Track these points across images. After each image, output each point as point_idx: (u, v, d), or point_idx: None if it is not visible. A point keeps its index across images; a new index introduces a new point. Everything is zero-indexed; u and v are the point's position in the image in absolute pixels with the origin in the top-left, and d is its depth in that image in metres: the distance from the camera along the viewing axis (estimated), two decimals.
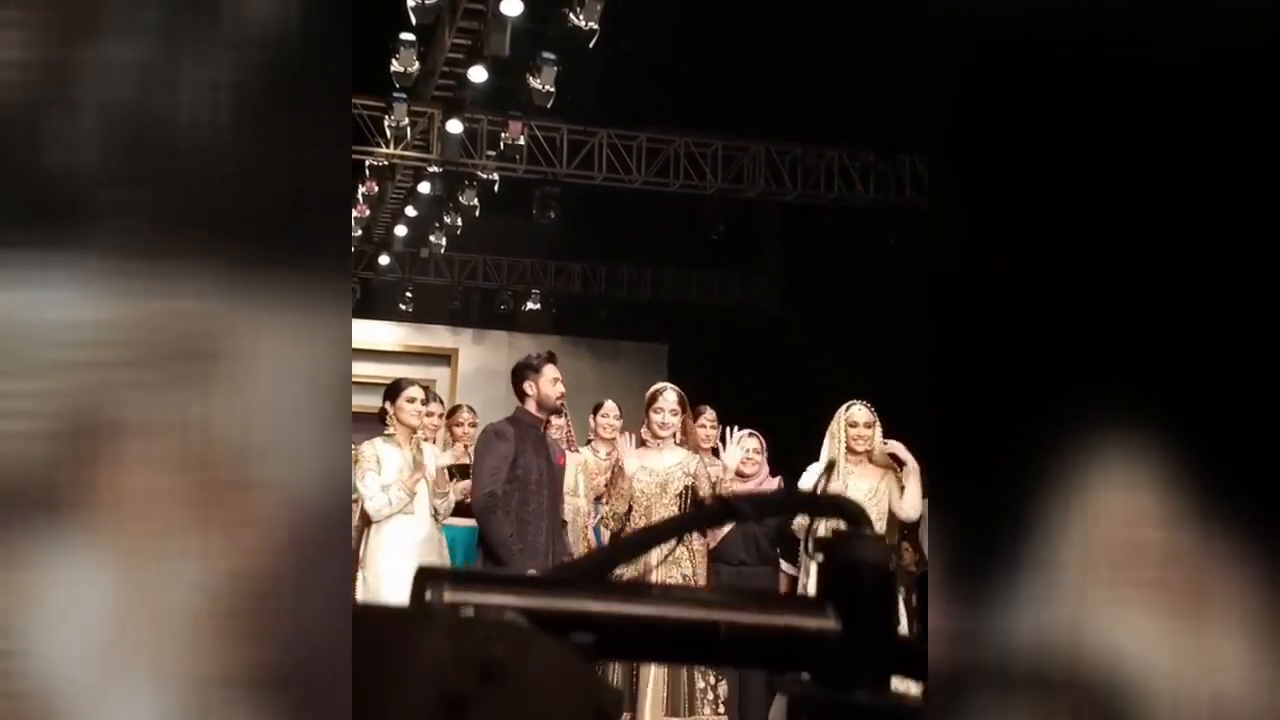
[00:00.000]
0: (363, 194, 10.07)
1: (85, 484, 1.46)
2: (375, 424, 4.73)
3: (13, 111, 1.16)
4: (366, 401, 12.41)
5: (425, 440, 4.58)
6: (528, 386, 4.02)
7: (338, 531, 1.52)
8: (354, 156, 9.58)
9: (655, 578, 4.02)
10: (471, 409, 5.18)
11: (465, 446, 4.94)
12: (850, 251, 9.86)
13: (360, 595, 4.29)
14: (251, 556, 1.34)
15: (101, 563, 1.38)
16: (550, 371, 4.04)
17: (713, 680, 3.93)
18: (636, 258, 13.52)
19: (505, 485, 3.85)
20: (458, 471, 4.76)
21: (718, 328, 13.03)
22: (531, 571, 3.77)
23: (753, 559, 4.37)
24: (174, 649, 1.38)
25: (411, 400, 4.41)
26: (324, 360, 1.40)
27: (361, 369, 12.57)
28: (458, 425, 5.03)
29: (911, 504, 4.14)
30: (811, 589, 3.07)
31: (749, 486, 4.45)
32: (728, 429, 4.52)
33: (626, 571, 2.95)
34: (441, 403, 5.07)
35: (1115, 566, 0.84)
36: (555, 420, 4.71)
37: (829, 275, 10.20)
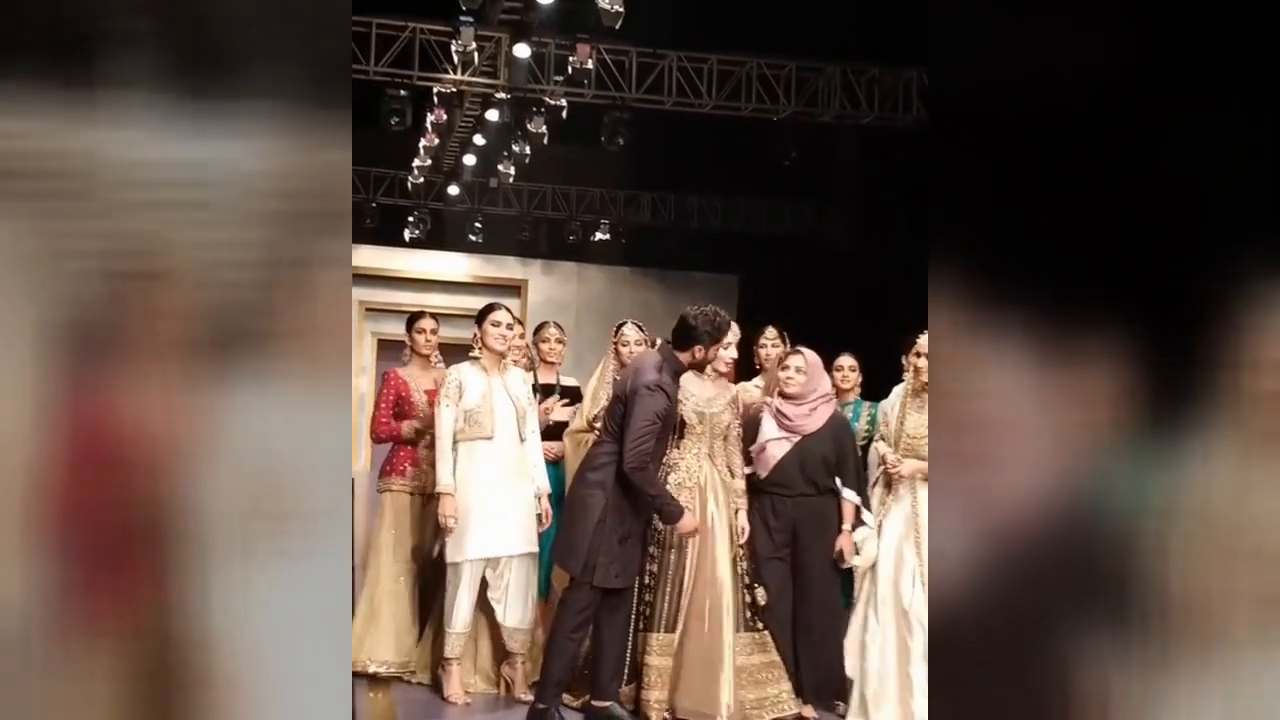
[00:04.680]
0: (431, 123, 10.00)
1: (152, 317, 1.50)
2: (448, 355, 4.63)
3: None
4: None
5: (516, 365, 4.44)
6: (697, 350, 3.88)
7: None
8: (422, 84, 9.49)
9: (698, 507, 3.97)
10: (559, 325, 5.00)
11: (551, 365, 4.83)
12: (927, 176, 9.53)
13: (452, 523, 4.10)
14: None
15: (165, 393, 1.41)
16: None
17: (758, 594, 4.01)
18: (707, 186, 13.30)
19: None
20: (541, 390, 4.68)
21: (790, 257, 12.80)
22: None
23: (812, 489, 4.24)
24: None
25: (496, 325, 4.25)
26: (327, 178, 1.41)
27: (433, 300, 12.61)
28: (544, 342, 4.87)
29: None
30: (873, 518, 2.94)
31: (802, 410, 4.28)
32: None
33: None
34: (522, 324, 4.91)
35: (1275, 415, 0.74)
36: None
37: (905, 202, 9.91)
